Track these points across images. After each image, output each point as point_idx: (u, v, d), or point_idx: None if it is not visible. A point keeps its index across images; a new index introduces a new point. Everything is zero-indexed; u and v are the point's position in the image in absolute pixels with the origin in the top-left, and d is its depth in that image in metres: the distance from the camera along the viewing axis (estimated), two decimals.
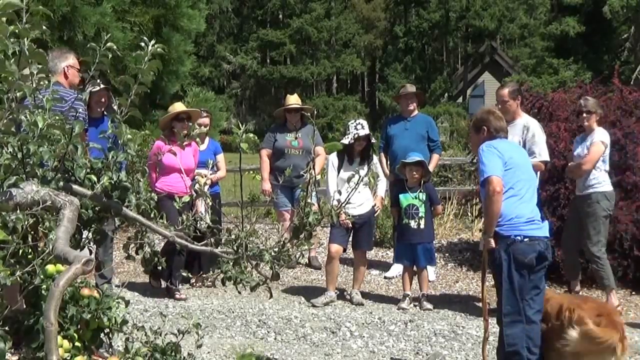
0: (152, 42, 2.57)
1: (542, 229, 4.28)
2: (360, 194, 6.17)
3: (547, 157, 5.99)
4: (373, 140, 6.47)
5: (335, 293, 6.55)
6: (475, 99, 34.75)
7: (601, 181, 6.09)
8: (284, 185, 7.19)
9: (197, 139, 7.12)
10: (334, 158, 6.52)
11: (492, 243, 4.23)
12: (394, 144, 7.11)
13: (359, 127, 6.36)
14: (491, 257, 4.30)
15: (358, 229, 6.41)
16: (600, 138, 6.05)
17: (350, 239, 6.57)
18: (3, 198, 2.19)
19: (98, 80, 5.95)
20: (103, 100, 6.12)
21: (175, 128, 6.44)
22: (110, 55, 2.57)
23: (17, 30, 1.99)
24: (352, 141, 6.33)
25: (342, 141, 6.61)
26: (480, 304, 6.58)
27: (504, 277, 4.18)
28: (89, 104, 5.96)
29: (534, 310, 4.27)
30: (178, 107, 6.69)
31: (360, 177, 2.77)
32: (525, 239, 4.17)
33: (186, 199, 2.95)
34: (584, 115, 6.11)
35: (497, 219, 4.19)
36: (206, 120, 7.10)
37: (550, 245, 4.40)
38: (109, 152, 2.60)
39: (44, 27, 2.11)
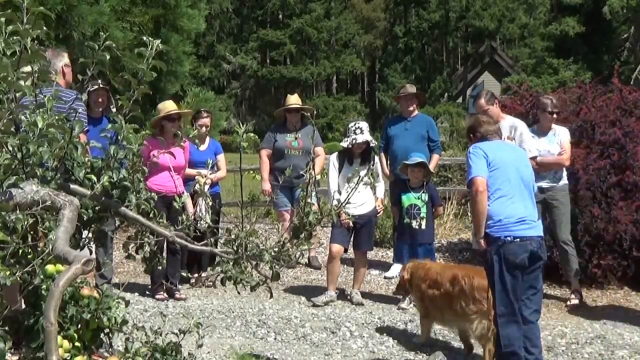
0: (157, 41, 2.57)
1: (535, 228, 4.27)
2: (361, 194, 6.17)
3: (536, 153, 6.25)
4: (372, 144, 6.42)
5: (336, 293, 6.55)
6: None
7: (566, 174, 6.53)
8: (283, 186, 7.19)
9: (197, 140, 7.09)
10: (334, 158, 6.52)
11: (483, 244, 4.24)
12: (394, 144, 7.12)
13: (358, 132, 6.33)
14: (483, 258, 4.31)
15: (359, 229, 6.40)
16: (568, 135, 6.51)
17: (352, 239, 6.57)
18: (3, 198, 2.19)
19: (99, 80, 5.92)
20: (101, 100, 6.08)
21: (165, 127, 6.36)
22: (108, 56, 2.57)
23: (17, 30, 1.98)
24: (350, 146, 6.34)
25: (341, 144, 6.61)
26: None
27: (496, 278, 4.18)
28: (88, 103, 5.95)
29: (531, 310, 4.27)
30: (169, 105, 6.57)
31: (360, 177, 2.76)
32: (516, 239, 4.16)
33: (185, 198, 2.95)
34: (554, 115, 6.45)
35: (484, 219, 4.19)
36: (207, 121, 7.08)
37: (545, 244, 4.41)
38: (109, 148, 2.59)
39: (42, 26, 2.10)
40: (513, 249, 4.14)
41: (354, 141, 6.29)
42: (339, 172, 6.41)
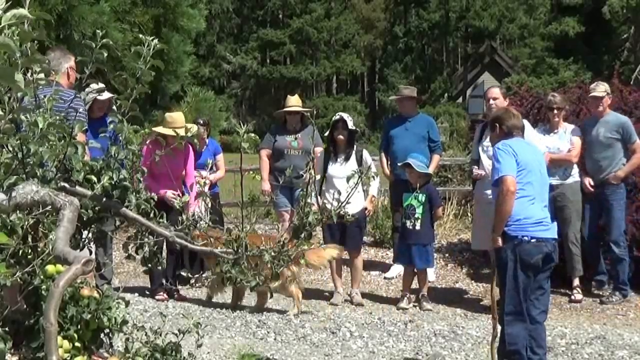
0: (155, 41, 2.57)
1: (550, 231, 4.28)
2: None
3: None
4: (351, 126, 6.42)
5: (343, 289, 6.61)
6: (475, 99, 34.61)
7: (577, 171, 6.54)
8: (283, 186, 7.18)
9: (195, 140, 6.94)
10: (322, 152, 6.61)
11: (500, 242, 4.24)
12: (394, 145, 7.10)
13: (336, 117, 6.50)
14: (497, 255, 4.31)
15: (347, 229, 6.28)
16: (579, 133, 6.55)
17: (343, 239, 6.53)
18: (6, 199, 2.18)
19: (103, 85, 5.87)
20: (104, 107, 6.00)
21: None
22: (106, 54, 2.56)
23: (18, 34, 1.98)
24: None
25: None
26: (480, 303, 6.60)
27: (509, 277, 4.18)
28: (92, 107, 5.91)
29: (539, 310, 4.28)
30: (169, 120, 6.38)
31: (359, 176, 2.77)
32: (532, 240, 4.17)
33: (186, 198, 2.95)
34: (555, 111, 6.51)
35: (507, 218, 4.19)
36: (203, 134, 7.06)
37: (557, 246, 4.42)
38: (110, 148, 2.59)
39: (43, 29, 2.10)
40: (529, 250, 4.16)
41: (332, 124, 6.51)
42: (326, 168, 6.41)
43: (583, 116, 7.23)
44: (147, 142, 6.14)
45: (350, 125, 6.39)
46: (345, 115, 6.50)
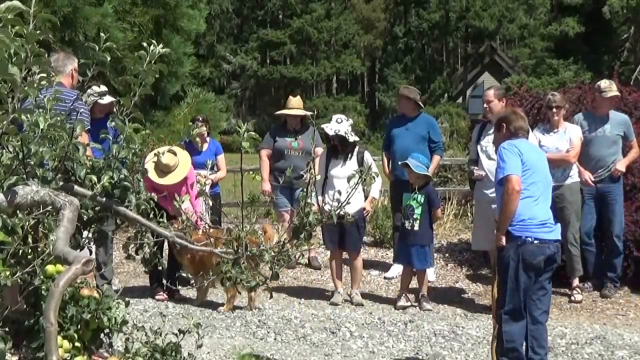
0: (159, 46, 2.58)
1: (554, 232, 4.28)
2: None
3: None
4: (332, 133, 6.33)
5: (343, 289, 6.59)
6: (475, 99, 34.63)
7: (576, 172, 6.49)
8: (283, 186, 7.19)
9: (197, 140, 6.93)
10: (324, 153, 6.57)
11: (503, 241, 4.24)
12: (395, 144, 7.09)
13: (331, 122, 6.40)
14: (499, 254, 4.31)
15: (346, 229, 6.28)
16: (579, 133, 6.49)
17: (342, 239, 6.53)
18: (6, 199, 2.18)
19: (105, 89, 5.85)
20: (105, 110, 5.98)
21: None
22: (109, 58, 2.57)
23: (23, 34, 1.99)
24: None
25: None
26: (477, 302, 6.60)
27: (510, 276, 4.19)
28: (92, 109, 5.90)
29: (541, 310, 4.29)
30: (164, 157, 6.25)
31: (359, 177, 2.77)
32: (536, 241, 4.17)
33: (186, 197, 2.95)
34: (554, 110, 6.44)
35: (512, 217, 4.20)
36: (203, 130, 7.04)
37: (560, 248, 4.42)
38: (112, 147, 2.60)
39: (48, 30, 2.11)
40: (532, 250, 4.16)
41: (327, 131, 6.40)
42: (327, 168, 6.40)
43: None
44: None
45: (331, 132, 6.31)
46: (328, 124, 6.37)
